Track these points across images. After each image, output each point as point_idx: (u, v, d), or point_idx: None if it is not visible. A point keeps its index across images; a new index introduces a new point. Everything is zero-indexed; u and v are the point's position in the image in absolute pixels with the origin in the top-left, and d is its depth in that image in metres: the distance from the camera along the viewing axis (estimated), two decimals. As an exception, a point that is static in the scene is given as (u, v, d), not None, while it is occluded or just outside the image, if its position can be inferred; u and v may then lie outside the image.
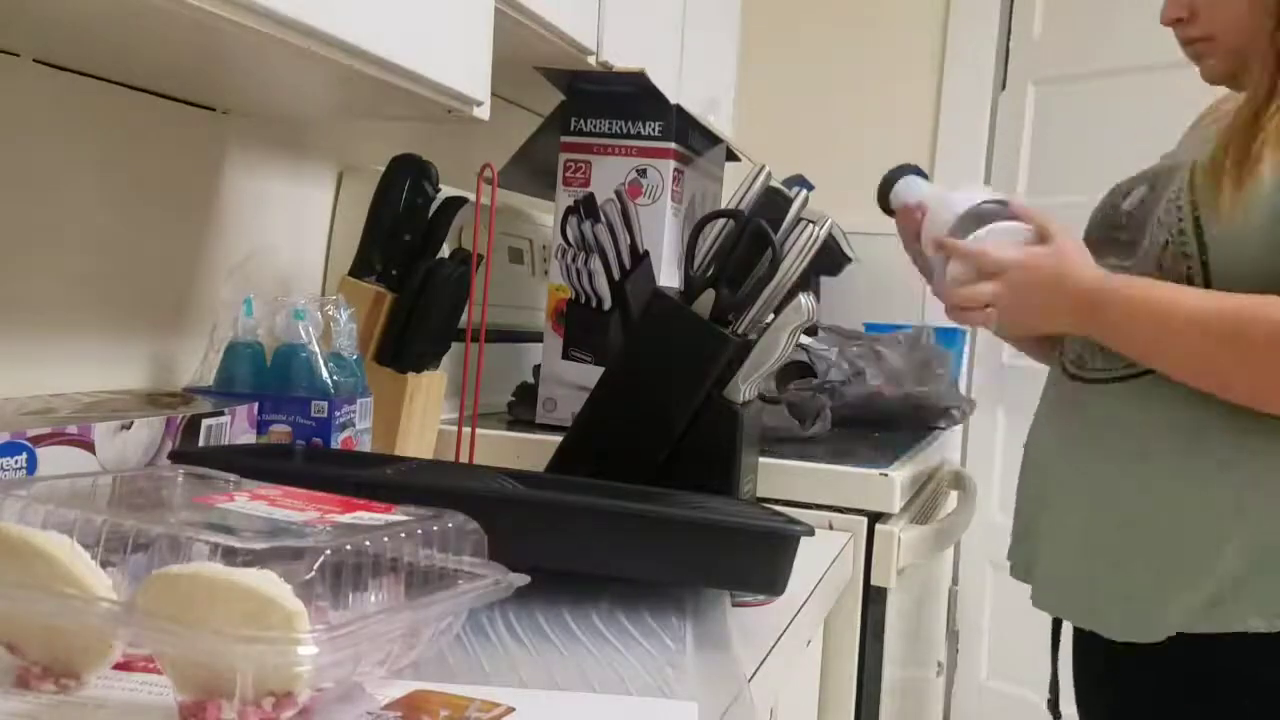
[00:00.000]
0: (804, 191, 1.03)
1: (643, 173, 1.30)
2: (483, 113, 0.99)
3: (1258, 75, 0.87)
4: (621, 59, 1.43)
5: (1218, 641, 0.84)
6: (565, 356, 1.35)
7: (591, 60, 1.38)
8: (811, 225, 0.98)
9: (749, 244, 0.98)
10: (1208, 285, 0.86)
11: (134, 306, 1.02)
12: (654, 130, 1.30)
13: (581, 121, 1.35)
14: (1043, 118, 2.22)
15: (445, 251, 1.16)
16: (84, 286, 0.96)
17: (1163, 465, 0.89)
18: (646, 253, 1.30)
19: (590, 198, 1.33)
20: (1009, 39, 2.30)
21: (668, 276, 1.30)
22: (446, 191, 1.16)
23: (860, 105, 2.37)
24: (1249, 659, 0.84)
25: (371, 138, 1.33)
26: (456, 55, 0.93)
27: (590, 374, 1.33)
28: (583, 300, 1.34)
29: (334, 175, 1.29)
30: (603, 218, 1.31)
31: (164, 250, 1.05)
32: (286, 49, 0.75)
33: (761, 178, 1.01)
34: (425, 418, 1.16)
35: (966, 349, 2.26)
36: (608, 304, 1.32)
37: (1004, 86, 2.31)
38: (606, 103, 1.33)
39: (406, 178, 1.12)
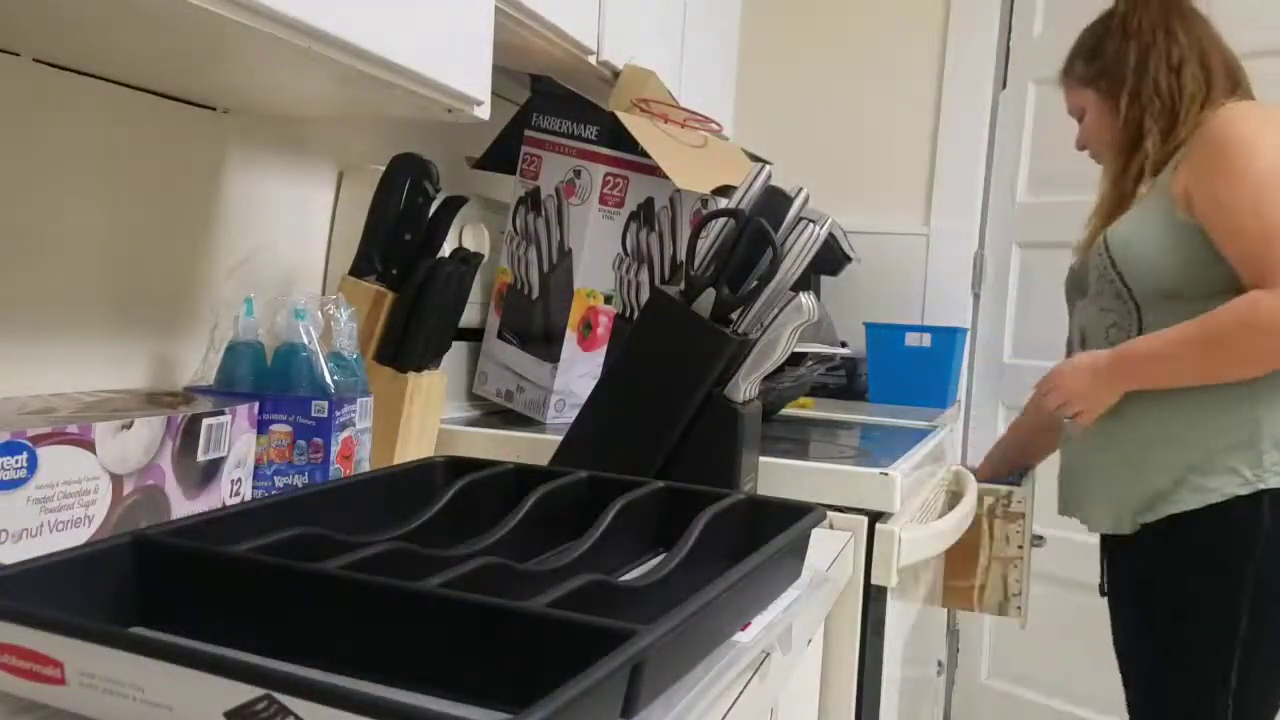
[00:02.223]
0: (804, 191, 1.03)
1: (578, 174, 1.32)
2: (483, 112, 0.99)
3: (1108, 179, 1.48)
4: (622, 59, 1.44)
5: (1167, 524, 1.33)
6: (499, 336, 1.41)
7: (592, 60, 1.38)
8: (812, 224, 0.98)
9: (749, 243, 0.98)
10: (1131, 295, 1.36)
11: (134, 306, 1.02)
12: (591, 134, 1.31)
13: (541, 117, 1.37)
14: (1043, 118, 2.22)
15: (446, 251, 1.16)
16: (84, 286, 0.96)
17: (1128, 423, 1.37)
18: (570, 251, 1.31)
19: (537, 191, 1.36)
20: (1009, 39, 2.30)
21: (583, 278, 1.32)
22: (447, 191, 1.16)
23: (860, 104, 2.37)
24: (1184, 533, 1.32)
25: (371, 137, 1.33)
26: (457, 55, 0.93)
27: (515, 357, 1.38)
28: (518, 286, 1.38)
29: (334, 175, 1.29)
30: (542, 212, 1.34)
31: (164, 250, 1.05)
32: (287, 49, 0.75)
33: (762, 177, 1.01)
34: (425, 417, 1.16)
35: (966, 349, 2.27)
36: (536, 294, 1.36)
37: (1004, 86, 2.31)
38: (561, 102, 1.35)
39: (407, 177, 1.12)
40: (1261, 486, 1.27)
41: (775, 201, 1.01)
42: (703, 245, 0.99)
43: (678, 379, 0.98)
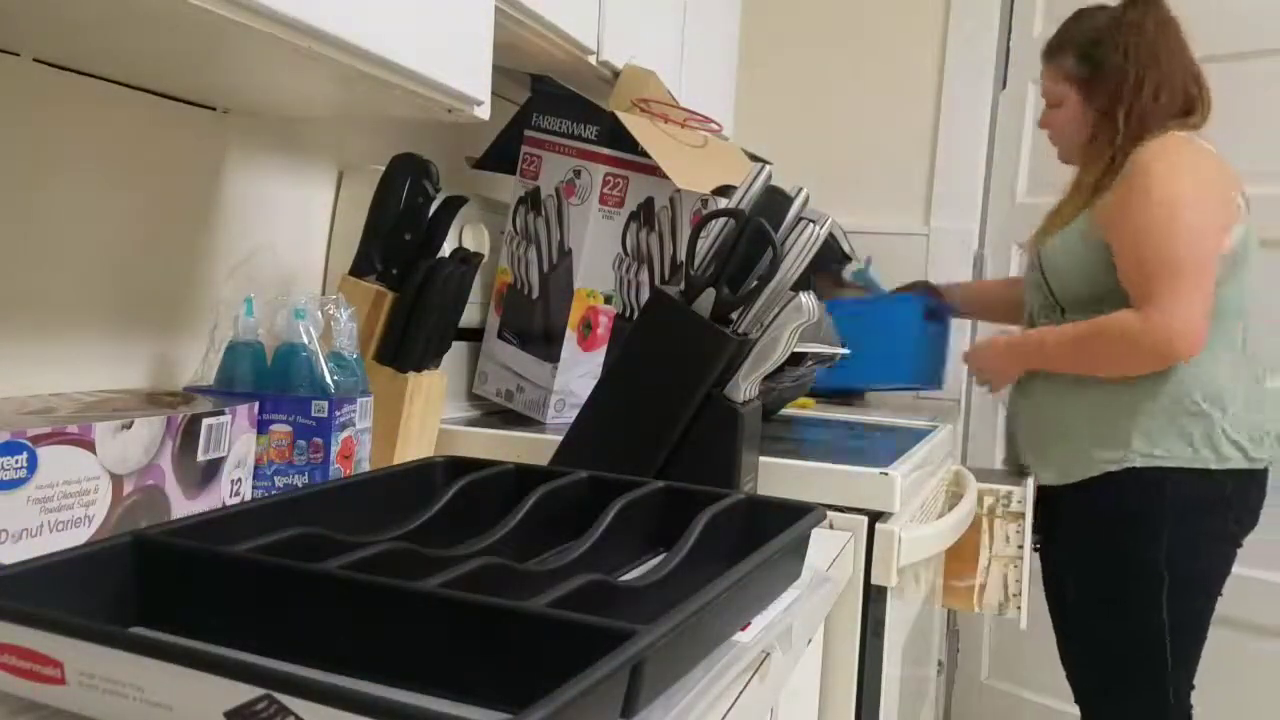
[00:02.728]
0: (804, 191, 1.03)
1: (578, 174, 1.31)
2: (483, 112, 0.99)
3: (1079, 185, 1.64)
4: (622, 59, 1.44)
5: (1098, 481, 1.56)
6: (499, 336, 1.41)
7: (592, 60, 1.38)
8: (812, 224, 0.98)
9: (749, 243, 0.98)
10: (1054, 298, 1.60)
11: (134, 306, 1.02)
12: (591, 134, 1.31)
13: (541, 117, 1.37)
14: (1043, 117, 2.21)
15: (446, 251, 1.16)
16: (84, 286, 0.96)
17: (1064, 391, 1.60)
18: (570, 251, 1.31)
19: (537, 191, 1.36)
20: (1009, 39, 2.30)
21: (584, 278, 1.32)
22: (447, 191, 1.16)
23: (860, 104, 2.37)
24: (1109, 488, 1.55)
25: (371, 137, 1.33)
26: (457, 55, 0.93)
27: (515, 357, 1.38)
28: (518, 286, 1.38)
29: (334, 175, 1.29)
30: (542, 211, 1.34)
31: (164, 250, 1.05)
32: (287, 49, 0.75)
33: (762, 177, 1.01)
34: (425, 417, 1.16)
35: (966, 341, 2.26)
36: (536, 294, 1.36)
37: (1004, 86, 2.31)
38: (561, 102, 1.35)
39: (407, 177, 1.12)
40: (1130, 465, 1.52)
41: (775, 201, 1.01)
42: (703, 245, 0.99)
43: (678, 379, 0.98)
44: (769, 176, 1.02)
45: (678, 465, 0.98)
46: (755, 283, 0.98)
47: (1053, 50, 1.63)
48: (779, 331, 0.98)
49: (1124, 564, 1.53)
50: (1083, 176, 1.62)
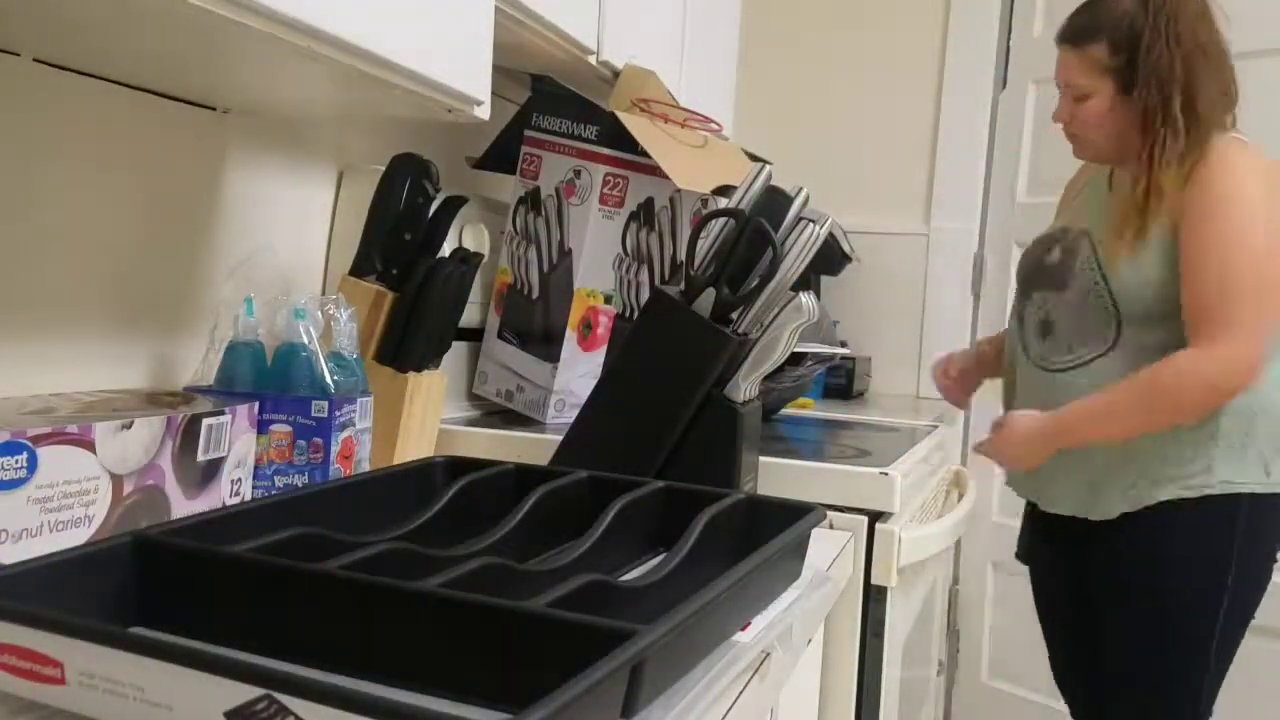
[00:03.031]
0: (804, 191, 1.03)
1: (578, 174, 1.32)
2: (483, 112, 0.99)
3: (1131, 182, 1.41)
4: (622, 59, 1.44)
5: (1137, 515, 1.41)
6: (499, 336, 1.41)
7: (592, 60, 1.38)
8: (812, 224, 0.98)
9: (749, 243, 0.98)
10: (1118, 312, 1.40)
11: (135, 306, 1.02)
12: (591, 134, 1.31)
13: (541, 117, 1.37)
14: (1043, 118, 2.21)
15: (446, 251, 1.16)
16: (84, 286, 0.96)
17: None
18: (570, 251, 1.32)
19: (537, 191, 1.36)
20: (1009, 39, 2.30)
21: (584, 278, 1.33)
22: (447, 191, 1.16)
23: (860, 105, 2.37)
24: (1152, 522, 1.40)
25: (371, 137, 1.33)
26: (457, 55, 0.93)
27: (515, 357, 1.38)
28: (518, 286, 1.38)
29: (334, 175, 1.29)
30: (542, 211, 1.34)
31: (164, 250, 1.05)
32: (287, 49, 0.75)
33: (762, 177, 1.01)
34: (425, 417, 1.16)
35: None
36: (536, 294, 1.36)
37: (1004, 86, 2.31)
38: (561, 102, 1.35)
39: (407, 177, 1.12)
40: (1209, 492, 1.38)
41: (775, 201, 1.01)
42: (703, 245, 0.99)
43: (678, 379, 0.98)
44: (769, 176, 1.02)
45: (678, 465, 0.98)
46: (755, 283, 0.98)
47: (1078, 36, 1.45)
48: (779, 331, 0.98)
49: (1186, 591, 1.41)
50: (1157, 178, 1.38)
